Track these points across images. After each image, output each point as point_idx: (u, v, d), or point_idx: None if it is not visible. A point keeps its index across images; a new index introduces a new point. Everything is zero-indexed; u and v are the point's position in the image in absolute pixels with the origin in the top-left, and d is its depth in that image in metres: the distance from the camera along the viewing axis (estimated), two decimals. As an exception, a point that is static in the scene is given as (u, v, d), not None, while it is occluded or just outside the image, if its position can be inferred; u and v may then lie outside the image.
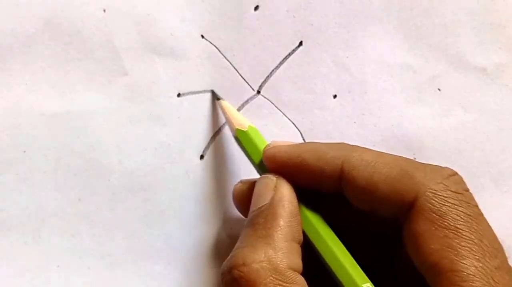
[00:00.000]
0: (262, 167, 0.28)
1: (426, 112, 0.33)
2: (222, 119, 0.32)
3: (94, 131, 0.31)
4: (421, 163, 0.25)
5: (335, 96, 0.32)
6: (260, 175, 0.28)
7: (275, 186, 0.26)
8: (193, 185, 0.32)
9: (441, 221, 0.23)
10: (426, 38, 0.33)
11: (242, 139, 0.29)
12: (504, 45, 0.33)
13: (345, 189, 0.25)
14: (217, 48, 0.32)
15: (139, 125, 0.32)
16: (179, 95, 0.32)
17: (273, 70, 0.32)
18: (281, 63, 0.32)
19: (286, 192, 0.26)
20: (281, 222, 0.24)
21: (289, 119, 0.32)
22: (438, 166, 0.25)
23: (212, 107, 0.32)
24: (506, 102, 0.33)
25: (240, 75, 0.32)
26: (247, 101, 0.32)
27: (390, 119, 0.33)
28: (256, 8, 0.32)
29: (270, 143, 0.28)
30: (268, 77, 0.32)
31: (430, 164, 0.25)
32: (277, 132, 0.32)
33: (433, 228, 0.23)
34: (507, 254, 0.24)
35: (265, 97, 0.32)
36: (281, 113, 0.32)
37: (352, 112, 0.32)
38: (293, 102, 0.32)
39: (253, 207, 0.26)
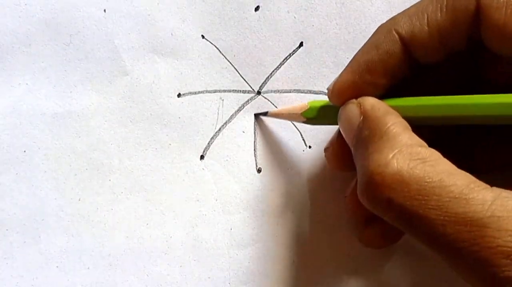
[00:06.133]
0: None
1: (427, 113, 0.33)
2: (222, 119, 0.32)
3: (94, 131, 0.31)
4: None
5: (335, 97, 0.32)
6: None
7: (359, 103, 0.25)
8: (193, 185, 0.32)
9: None
10: (426, 39, 0.33)
11: (319, 113, 0.29)
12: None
13: (484, 31, 0.24)
14: (217, 48, 0.32)
15: (139, 125, 0.32)
16: (179, 95, 0.32)
17: (273, 71, 0.32)
18: (281, 63, 0.32)
19: (370, 100, 0.25)
20: (386, 122, 0.24)
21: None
22: None
23: (212, 107, 0.32)
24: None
25: (241, 75, 0.32)
26: (247, 102, 0.32)
27: (390, 120, 0.33)
28: (257, 8, 0.32)
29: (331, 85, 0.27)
30: (268, 78, 0.32)
31: None
32: (277, 132, 0.32)
33: None
34: None
35: (265, 98, 0.32)
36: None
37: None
38: (294, 102, 0.32)
39: (350, 133, 0.25)
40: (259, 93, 0.32)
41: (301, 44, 0.32)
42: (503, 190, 0.21)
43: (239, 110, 0.32)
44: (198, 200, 0.32)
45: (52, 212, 0.31)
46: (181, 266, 0.31)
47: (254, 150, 0.32)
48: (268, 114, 0.31)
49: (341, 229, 0.32)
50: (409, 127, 0.24)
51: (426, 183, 0.21)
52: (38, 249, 0.31)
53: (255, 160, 0.32)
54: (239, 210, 0.32)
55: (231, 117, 0.32)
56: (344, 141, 0.26)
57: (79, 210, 0.31)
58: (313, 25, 0.32)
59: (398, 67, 0.26)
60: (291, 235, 0.32)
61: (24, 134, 0.31)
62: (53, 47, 0.31)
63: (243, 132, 0.32)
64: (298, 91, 0.32)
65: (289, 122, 0.32)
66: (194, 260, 0.31)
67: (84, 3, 0.31)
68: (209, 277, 0.31)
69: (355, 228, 0.29)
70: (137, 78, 0.32)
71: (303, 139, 0.32)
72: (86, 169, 0.31)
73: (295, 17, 0.32)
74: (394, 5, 0.32)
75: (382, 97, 0.26)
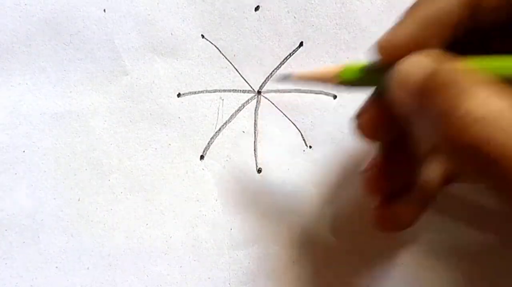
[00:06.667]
0: None
1: (427, 113, 0.33)
2: (222, 119, 0.32)
3: (94, 131, 0.31)
4: None
5: (335, 97, 0.32)
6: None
7: (428, 53, 0.22)
8: (193, 185, 0.32)
9: None
10: (426, 39, 0.33)
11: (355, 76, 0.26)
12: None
13: None
14: (217, 48, 0.32)
15: (139, 125, 0.32)
16: (179, 95, 0.32)
17: (273, 71, 0.32)
18: (281, 63, 0.32)
19: (438, 51, 0.23)
20: (467, 67, 0.21)
21: (289, 119, 0.32)
22: None
23: (212, 107, 0.32)
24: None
25: (241, 75, 0.32)
26: (247, 101, 0.32)
27: (390, 120, 0.32)
28: (257, 8, 0.32)
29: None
30: (268, 78, 0.32)
31: None
32: (277, 132, 0.32)
33: None
34: None
35: (265, 97, 0.32)
36: (281, 113, 0.32)
37: (353, 112, 0.32)
38: (293, 102, 0.32)
39: (411, 87, 0.22)
40: (259, 93, 0.32)
41: (301, 44, 0.32)
42: None
43: (239, 110, 0.32)
44: (198, 200, 0.32)
45: (52, 212, 0.31)
46: (181, 266, 0.31)
47: (254, 150, 0.32)
48: (293, 76, 0.26)
49: (341, 229, 0.32)
50: None
51: None
52: (38, 249, 0.31)
53: (255, 160, 0.32)
54: (239, 210, 0.32)
55: (231, 117, 0.32)
56: (381, 106, 0.24)
57: (78, 210, 0.31)
58: (313, 25, 0.32)
59: (460, 22, 0.24)
60: (291, 235, 0.32)
61: (24, 134, 0.31)
62: (53, 47, 0.31)
63: (243, 132, 0.32)
64: (298, 91, 0.32)
65: (290, 122, 0.32)
66: (194, 260, 0.31)
67: (84, 3, 0.31)
68: (209, 277, 0.31)
69: (372, 208, 0.28)
70: (137, 78, 0.32)
71: (303, 139, 0.32)
72: (86, 169, 0.31)
73: (295, 17, 0.32)
74: (394, 5, 0.32)
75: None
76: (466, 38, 0.25)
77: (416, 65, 0.23)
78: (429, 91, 0.22)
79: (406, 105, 0.23)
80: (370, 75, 0.25)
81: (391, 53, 0.24)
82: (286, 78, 0.26)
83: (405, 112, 0.23)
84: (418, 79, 0.22)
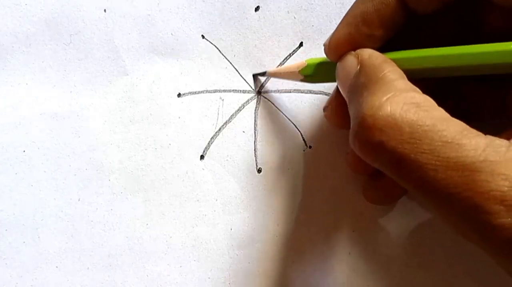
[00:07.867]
0: None
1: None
2: (222, 119, 0.32)
3: (94, 131, 0.31)
4: None
5: (335, 97, 0.32)
6: None
7: (356, 54, 0.25)
8: (193, 185, 0.32)
9: None
10: (426, 39, 0.33)
11: (317, 71, 0.28)
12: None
13: None
14: (217, 48, 0.32)
15: (139, 125, 0.32)
16: (179, 95, 0.32)
17: (273, 71, 0.32)
18: (281, 63, 0.32)
19: (368, 51, 0.25)
20: (382, 69, 0.23)
21: (289, 119, 0.32)
22: None
23: (212, 107, 0.32)
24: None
25: (241, 75, 0.32)
26: (247, 101, 0.32)
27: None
28: (257, 8, 0.32)
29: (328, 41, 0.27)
30: (268, 78, 0.32)
31: None
32: (277, 132, 0.32)
33: None
34: None
35: (265, 98, 0.32)
36: (281, 113, 0.32)
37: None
38: (293, 102, 0.32)
39: (346, 83, 0.25)
40: (259, 93, 0.32)
41: (301, 44, 0.32)
42: (496, 137, 0.20)
43: (239, 110, 0.32)
44: (198, 200, 0.32)
45: (52, 212, 0.31)
46: (181, 266, 0.31)
47: (254, 150, 0.32)
48: (267, 73, 0.31)
49: (341, 228, 0.32)
50: (405, 76, 0.24)
51: (418, 126, 0.21)
52: (38, 250, 0.31)
53: (255, 160, 0.32)
54: (239, 210, 0.32)
55: (231, 117, 0.32)
56: (343, 98, 0.26)
57: (78, 210, 0.31)
58: (313, 25, 0.32)
59: (394, 18, 0.26)
60: (291, 235, 0.32)
61: (24, 134, 0.31)
62: (53, 47, 0.31)
63: (243, 132, 0.32)
64: (298, 91, 0.32)
65: (290, 122, 0.32)
66: (194, 260, 0.31)
67: (84, 3, 0.31)
68: (209, 277, 0.31)
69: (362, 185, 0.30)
70: (137, 78, 0.32)
71: (304, 139, 0.32)
72: (86, 169, 0.31)
73: (295, 17, 0.32)
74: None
75: (379, 50, 0.26)
76: (410, 32, 0.27)
77: (347, 65, 0.25)
78: (351, 91, 0.24)
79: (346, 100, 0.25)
80: (328, 70, 0.28)
81: (333, 52, 0.27)
82: (262, 74, 0.31)
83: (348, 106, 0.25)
84: (347, 78, 0.25)
